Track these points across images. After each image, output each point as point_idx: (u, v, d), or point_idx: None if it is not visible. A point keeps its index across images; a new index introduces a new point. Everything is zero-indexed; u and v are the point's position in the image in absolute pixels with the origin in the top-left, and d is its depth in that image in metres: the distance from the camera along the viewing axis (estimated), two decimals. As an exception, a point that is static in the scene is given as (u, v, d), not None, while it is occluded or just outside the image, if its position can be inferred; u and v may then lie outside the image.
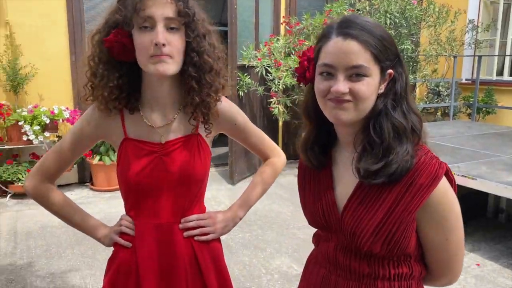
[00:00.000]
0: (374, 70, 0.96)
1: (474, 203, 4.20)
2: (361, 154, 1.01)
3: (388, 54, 0.98)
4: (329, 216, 1.09)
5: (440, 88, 7.10)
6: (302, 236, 3.82)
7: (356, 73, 0.94)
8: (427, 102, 7.13)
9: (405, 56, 6.41)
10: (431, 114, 7.49)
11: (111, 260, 1.41)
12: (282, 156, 1.56)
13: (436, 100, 7.16)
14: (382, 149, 0.97)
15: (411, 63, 6.60)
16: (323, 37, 0.99)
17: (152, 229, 1.33)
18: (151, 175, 1.30)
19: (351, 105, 0.96)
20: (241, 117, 1.44)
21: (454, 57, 6.70)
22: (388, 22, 5.96)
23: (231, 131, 1.46)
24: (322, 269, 1.14)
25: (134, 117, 1.33)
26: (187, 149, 1.32)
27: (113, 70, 1.24)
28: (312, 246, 1.25)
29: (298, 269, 3.22)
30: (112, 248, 1.42)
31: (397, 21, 6.03)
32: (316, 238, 1.22)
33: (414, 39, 6.45)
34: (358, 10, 6.07)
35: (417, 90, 7.55)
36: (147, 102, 1.33)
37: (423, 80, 6.68)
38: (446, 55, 6.56)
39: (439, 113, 7.38)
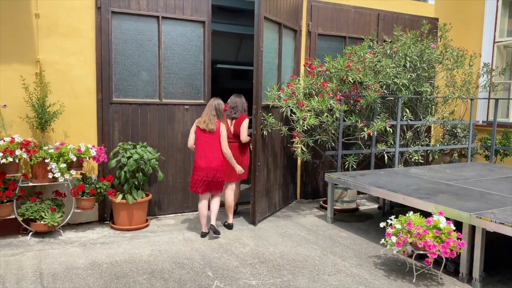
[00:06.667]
0: None
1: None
2: None
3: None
4: None
5: (458, 129, 7.13)
6: (335, 283, 3.72)
7: None
8: (445, 144, 7.14)
9: (423, 98, 6.48)
10: (447, 155, 7.49)
11: None
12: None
13: (452, 141, 7.18)
14: None
15: (429, 105, 6.66)
16: None
17: None
18: None
19: None
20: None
21: (471, 99, 6.77)
22: (408, 65, 6.06)
23: None
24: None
25: None
26: None
27: None
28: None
29: (336, 319, 3.12)
30: None
31: (417, 64, 6.13)
32: None
33: (432, 81, 6.54)
34: (377, 53, 6.18)
35: (433, 131, 7.58)
36: None
37: (441, 122, 6.73)
38: (464, 98, 6.63)
39: (455, 154, 7.38)
